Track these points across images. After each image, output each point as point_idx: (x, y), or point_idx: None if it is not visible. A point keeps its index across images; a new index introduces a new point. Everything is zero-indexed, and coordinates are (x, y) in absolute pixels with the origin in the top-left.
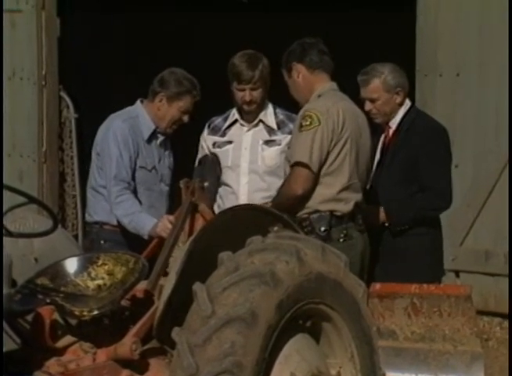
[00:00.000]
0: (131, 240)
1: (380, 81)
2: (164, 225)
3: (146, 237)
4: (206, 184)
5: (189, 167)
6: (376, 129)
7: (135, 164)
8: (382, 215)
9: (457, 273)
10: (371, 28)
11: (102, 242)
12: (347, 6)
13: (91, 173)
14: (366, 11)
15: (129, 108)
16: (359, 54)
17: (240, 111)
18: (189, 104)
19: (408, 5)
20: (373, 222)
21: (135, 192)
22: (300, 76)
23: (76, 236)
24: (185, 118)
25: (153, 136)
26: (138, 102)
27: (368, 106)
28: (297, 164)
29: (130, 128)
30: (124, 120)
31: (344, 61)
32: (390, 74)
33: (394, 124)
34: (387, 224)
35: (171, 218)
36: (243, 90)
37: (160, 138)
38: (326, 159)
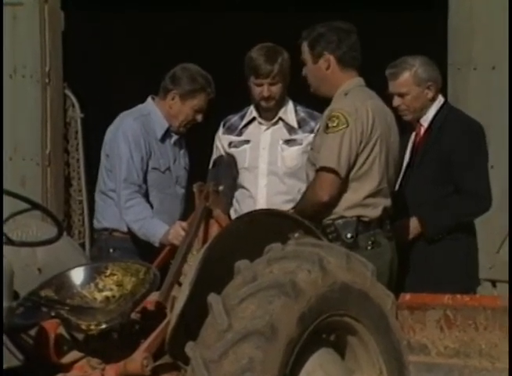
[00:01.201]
0: (142, 249)
1: (410, 74)
2: (176, 232)
3: (157, 245)
4: (221, 188)
5: (203, 169)
6: (405, 127)
7: (147, 166)
8: (416, 226)
9: (494, 283)
10: (399, 20)
11: (111, 250)
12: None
13: (100, 176)
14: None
15: (140, 106)
16: (387, 48)
17: (258, 108)
18: (203, 102)
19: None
20: (406, 236)
21: (146, 195)
22: (329, 69)
23: (83, 245)
24: (199, 117)
25: (166, 135)
26: (149, 99)
27: (396, 101)
28: (324, 168)
29: (142, 127)
30: (135, 118)
31: (370, 55)
32: (421, 66)
33: (425, 121)
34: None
35: (184, 224)
36: (261, 85)
37: (175, 137)
38: (354, 163)
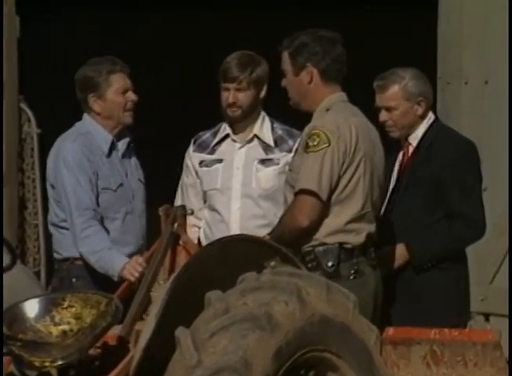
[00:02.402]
0: (107, 278)
1: (399, 87)
2: (132, 267)
3: (115, 279)
4: (189, 211)
5: (170, 190)
6: (391, 146)
7: (97, 187)
8: (402, 253)
9: (487, 317)
10: (386, 30)
11: (73, 280)
12: (360, 6)
13: (50, 207)
14: (380, 11)
15: (78, 124)
16: (372, 60)
17: (231, 124)
18: (122, 81)
19: (428, 6)
20: (392, 264)
21: (102, 220)
22: (312, 82)
23: (38, 274)
24: (131, 96)
25: (112, 148)
26: (85, 115)
27: (383, 116)
28: (304, 191)
29: (83, 147)
30: (73, 140)
31: (354, 68)
32: (412, 80)
33: (414, 140)
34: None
35: (141, 259)
36: (228, 90)
37: (122, 148)
38: (336, 185)
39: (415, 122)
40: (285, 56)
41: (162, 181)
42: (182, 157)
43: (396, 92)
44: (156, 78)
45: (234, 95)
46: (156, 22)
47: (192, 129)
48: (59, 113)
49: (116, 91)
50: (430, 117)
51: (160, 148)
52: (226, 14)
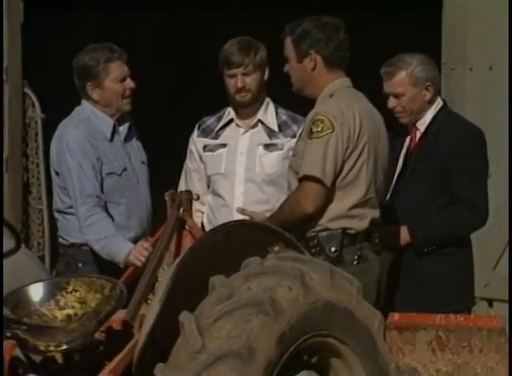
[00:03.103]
0: (114, 263)
1: (406, 73)
2: (138, 252)
3: (121, 266)
4: (195, 196)
5: (176, 175)
6: (399, 131)
7: (101, 173)
8: (405, 235)
9: (490, 302)
10: (390, 16)
11: (80, 265)
12: None
13: (54, 194)
14: None
15: (78, 109)
16: (377, 46)
17: (236, 109)
18: (120, 69)
19: None
20: (394, 244)
21: (106, 206)
22: (316, 69)
23: (42, 258)
24: (130, 84)
25: (114, 133)
26: (84, 100)
27: (392, 102)
28: (308, 177)
29: (86, 133)
30: (76, 125)
31: (359, 54)
32: (418, 65)
33: (422, 125)
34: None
35: (147, 244)
36: (235, 76)
37: (124, 132)
38: (340, 171)
39: (423, 107)
40: (288, 42)
41: (166, 165)
42: (187, 142)
43: (403, 78)
44: (159, 66)
45: (242, 80)
46: (156, 22)
47: (197, 115)
48: (63, 98)
49: (114, 79)
50: (439, 102)
51: (163, 133)
52: (227, 14)
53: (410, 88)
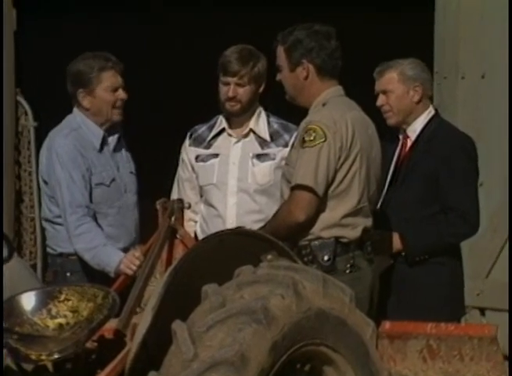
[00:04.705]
0: (102, 272)
1: (396, 71)
2: (129, 261)
3: (112, 275)
4: (186, 205)
5: (166, 184)
6: (388, 138)
7: (91, 183)
8: (396, 242)
9: (482, 311)
10: (383, 25)
11: (68, 274)
12: (355, 2)
13: (43, 203)
14: (376, 6)
15: (69, 118)
16: (369, 55)
17: (228, 118)
18: (113, 79)
19: (425, 1)
20: (384, 251)
21: (95, 216)
22: (308, 78)
23: (34, 266)
24: (121, 95)
25: (103, 144)
26: (75, 109)
27: (380, 100)
28: (300, 186)
29: (75, 143)
30: (65, 135)
31: (351, 63)
32: (409, 64)
33: (413, 133)
34: (403, 253)
35: (138, 253)
36: (228, 84)
37: (112, 142)
38: (332, 180)
39: (411, 109)
40: (280, 51)
41: (156, 174)
42: (178, 150)
43: (392, 75)
44: (150, 72)
45: (234, 90)
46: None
47: (189, 122)
48: (55, 106)
49: (106, 88)
50: (430, 111)
51: (154, 141)
52: (226, 14)
53: (398, 85)
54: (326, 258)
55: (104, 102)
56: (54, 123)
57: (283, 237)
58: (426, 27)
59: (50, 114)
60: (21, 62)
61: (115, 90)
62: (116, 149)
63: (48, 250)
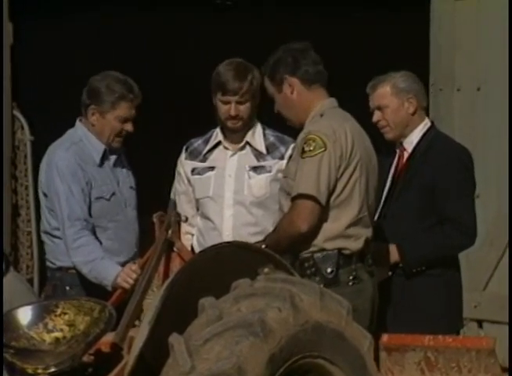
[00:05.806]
0: (102, 286)
1: (389, 85)
2: (126, 274)
3: (109, 289)
4: (183, 218)
5: (164, 197)
6: (384, 151)
7: (90, 197)
8: (394, 254)
9: (480, 323)
10: (378, 37)
11: (67, 288)
12: (349, 14)
13: (42, 215)
14: (372, 18)
15: (70, 131)
16: (364, 67)
17: (223, 131)
18: (127, 111)
19: (420, 10)
20: (382, 263)
21: (94, 230)
22: (294, 92)
23: (31, 281)
24: (129, 127)
25: (104, 158)
26: (78, 122)
27: (376, 116)
28: (302, 196)
29: (76, 156)
30: (66, 149)
31: (345, 74)
32: (401, 77)
33: (409, 145)
34: (400, 265)
35: (135, 267)
36: (228, 103)
37: (113, 157)
38: (333, 189)
39: (407, 121)
40: (266, 81)
41: (154, 187)
42: (174, 163)
43: (385, 89)
44: (149, 82)
45: (236, 108)
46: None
47: (185, 135)
48: (51, 121)
49: (117, 117)
50: (426, 123)
51: (151, 153)
52: (226, 19)
53: (392, 98)
54: (329, 270)
55: (110, 128)
56: (51, 137)
57: (285, 248)
58: (421, 40)
59: (47, 128)
60: (17, 75)
61: (125, 121)
62: (116, 163)
63: (47, 263)
